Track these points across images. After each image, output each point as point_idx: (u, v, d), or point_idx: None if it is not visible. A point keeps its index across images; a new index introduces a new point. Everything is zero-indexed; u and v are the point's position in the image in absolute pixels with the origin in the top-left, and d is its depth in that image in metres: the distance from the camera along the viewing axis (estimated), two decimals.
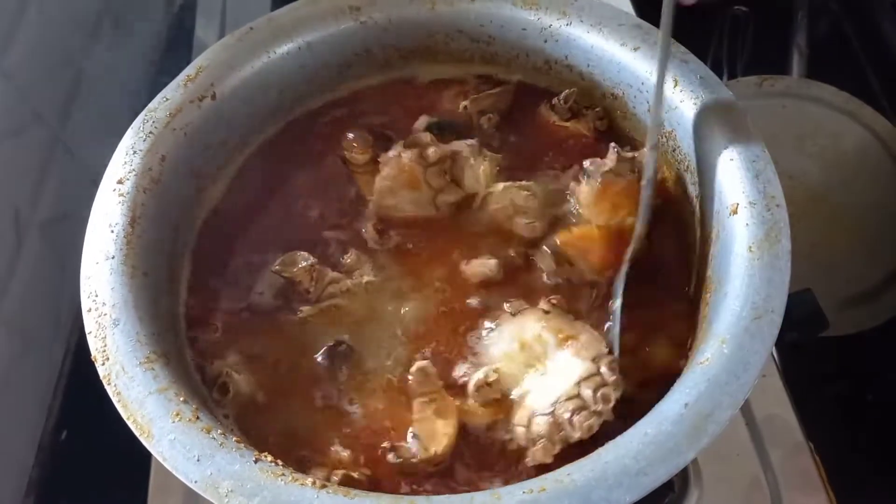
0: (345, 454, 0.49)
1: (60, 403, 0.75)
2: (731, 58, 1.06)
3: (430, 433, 0.49)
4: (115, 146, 0.56)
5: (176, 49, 1.02)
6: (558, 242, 0.56)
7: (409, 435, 0.49)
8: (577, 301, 0.55)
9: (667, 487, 0.59)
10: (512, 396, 0.51)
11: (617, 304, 0.53)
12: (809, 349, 0.77)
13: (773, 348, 0.46)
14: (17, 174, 0.74)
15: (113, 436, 0.46)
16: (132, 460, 0.59)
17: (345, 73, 0.66)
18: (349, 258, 0.57)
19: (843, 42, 1.04)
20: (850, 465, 0.70)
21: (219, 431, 0.43)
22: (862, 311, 0.85)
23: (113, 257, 0.50)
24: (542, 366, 0.51)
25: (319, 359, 0.53)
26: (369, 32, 0.64)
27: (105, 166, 0.55)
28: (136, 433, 0.43)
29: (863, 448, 0.76)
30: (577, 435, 0.47)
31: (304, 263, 0.54)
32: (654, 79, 0.57)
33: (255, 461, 0.42)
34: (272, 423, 0.51)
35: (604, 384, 0.48)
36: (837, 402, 0.79)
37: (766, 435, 0.65)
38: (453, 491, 0.48)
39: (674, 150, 0.58)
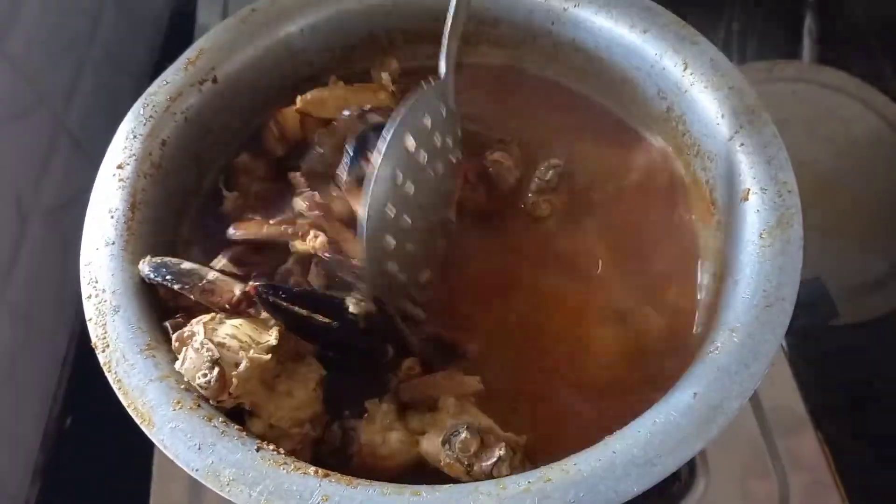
0: None
1: (65, 390, 0.75)
2: (740, 42, 1.04)
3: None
4: None
5: (179, 33, 1.01)
6: None
7: None
8: None
9: (673, 476, 0.58)
10: None
11: None
12: (818, 337, 0.77)
13: None
14: (20, 159, 0.73)
15: (117, 422, 0.46)
16: (137, 447, 0.59)
17: (349, 56, 0.64)
18: None
19: (854, 27, 1.02)
20: (857, 453, 0.70)
21: (220, 420, 0.43)
22: (871, 299, 0.84)
23: (113, 243, 0.50)
24: None
25: None
26: (373, 15, 0.63)
27: None
28: (137, 421, 0.43)
29: (870, 437, 0.75)
30: None
31: None
32: (664, 62, 0.56)
33: (257, 450, 0.41)
34: None
35: None
36: (845, 391, 0.79)
37: (774, 423, 0.64)
38: None
39: (683, 135, 0.57)
